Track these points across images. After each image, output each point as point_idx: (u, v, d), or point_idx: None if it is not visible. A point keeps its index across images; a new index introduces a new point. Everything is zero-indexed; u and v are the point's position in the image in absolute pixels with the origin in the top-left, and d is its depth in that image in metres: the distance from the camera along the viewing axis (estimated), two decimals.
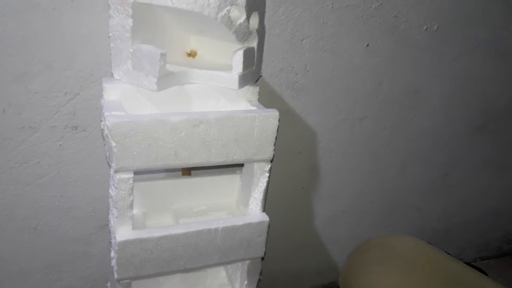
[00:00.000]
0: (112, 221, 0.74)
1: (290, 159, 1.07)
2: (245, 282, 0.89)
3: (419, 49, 1.07)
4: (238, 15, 0.70)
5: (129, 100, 0.72)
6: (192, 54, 0.80)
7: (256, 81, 0.84)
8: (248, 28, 0.73)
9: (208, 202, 0.92)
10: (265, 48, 0.89)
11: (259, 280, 0.92)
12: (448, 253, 0.80)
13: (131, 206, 0.71)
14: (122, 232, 0.72)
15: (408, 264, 0.72)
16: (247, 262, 0.86)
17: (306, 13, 0.91)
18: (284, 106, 0.99)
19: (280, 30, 0.91)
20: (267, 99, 0.96)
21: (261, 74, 0.92)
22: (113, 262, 0.75)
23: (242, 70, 0.73)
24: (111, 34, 0.69)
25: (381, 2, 0.97)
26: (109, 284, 0.91)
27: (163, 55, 0.67)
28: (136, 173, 0.71)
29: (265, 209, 0.84)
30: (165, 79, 0.69)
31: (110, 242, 0.78)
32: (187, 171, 0.92)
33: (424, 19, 1.04)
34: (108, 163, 0.76)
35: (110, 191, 0.72)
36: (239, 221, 0.80)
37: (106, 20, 0.72)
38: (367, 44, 1.00)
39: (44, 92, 0.79)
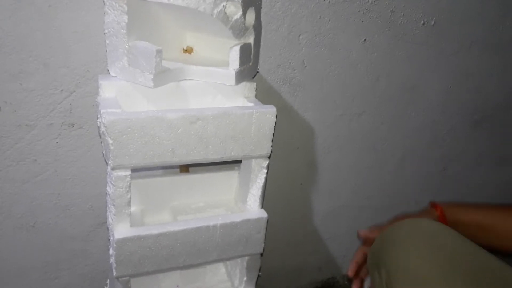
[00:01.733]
0: (110, 219, 0.74)
1: (288, 155, 1.06)
2: (245, 278, 0.89)
3: (416, 44, 1.07)
4: (234, 10, 0.70)
5: (125, 97, 0.72)
6: (188, 51, 0.80)
7: (253, 77, 0.84)
8: (244, 24, 0.72)
9: (206, 199, 0.92)
10: (262, 44, 0.89)
11: (259, 276, 0.92)
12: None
13: (129, 204, 0.71)
14: (120, 230, 0.72)
15: (438, 243, 0.74)
16: (246, 258, 0.86)
17: (303, 8, 0.91)
18: (281, 102, 0.98)
19: (277, 26, 0.90)
20: (264, 95, 0.95)
21: (258, 70, 0.92)
22: (112, 260, 0.75)
23: (238, 66, 0.73)
24: (106, 31, 0.69)
25: None
26: (108, 281, 0.92)
27: (159, 51, 0.66)
28: (134, 170, 0.70)
29: (263, 205, 0.84)
30: (161, 76, 0.69)
31: (109, 239, 0.78)
32: (185, 168, 0.92)
33: (421, 14, 1.03)
34: (105, 161, 0.76)
35: (108, 188, 0.72)
36: (237, 217, 0.80)
37: (101, 17, 0.71)
38: (364, 40, 1.00)
39: (40, 90, 0.79)
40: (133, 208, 0.84)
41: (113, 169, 0.67)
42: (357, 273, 0.84)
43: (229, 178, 0.93)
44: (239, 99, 0.80)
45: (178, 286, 0.91)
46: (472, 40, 1.13)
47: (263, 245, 0.85)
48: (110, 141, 0.65)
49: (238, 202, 0.90)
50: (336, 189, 1.18)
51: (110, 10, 0.67)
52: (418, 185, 1.29)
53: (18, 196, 0.86)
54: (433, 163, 1.28)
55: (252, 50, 0.77)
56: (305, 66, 0.97)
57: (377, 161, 1.19)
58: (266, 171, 0.81)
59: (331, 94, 1.03)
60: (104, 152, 0.73)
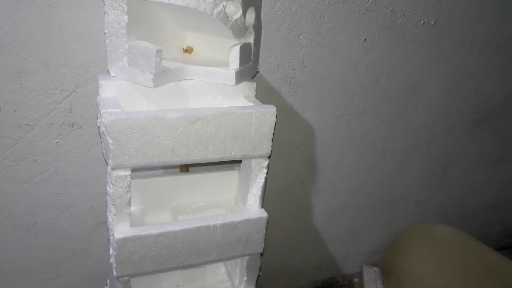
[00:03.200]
0: (110, 219, 0.74)
1: (288, 155, 1.06)
2: (245, 278, 0.89)
3: (416, 44, 1.07)
4: (234, 10, 0.70)
5: (125, 97, 0.72)
6: (188, 50, 0.80)
7: (253, 77, 0.84)
8: (244, 23, 0.72)
9: (206, 198, 0.92)
10: (262, 43, 0.89)
11: (259, 276, 0.92)
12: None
13: (129, 203, 0.71)
14: (120, 230, 0.72)
15: (450, 251, 0.74)
16: (246, 258, 0.86)
17: (303, 8, 0.91)
18: (281, 101, 0.98)
19: (277, 26, 0.90)
20: (265, 95, 0.95)
21: (258, 70, 0.92)
22: (112, 260, 0.75)
23: (238, 66, 0.73)
24: (106, 31, 0.69)
25: None
26: (108, 281, 0.92)
27: (159, 51, 0.66)
28: (134, 170, 0.70)
29: (263, 205, 0.84)
30: (161, 76, 0.69)
31: (109, 239, 0.78)
32: (185, 168, 0.92)
33: (421, 14, 1.03)
34: (105, 161, 0.76)
35: (108, 188, 0.72)
36: (237, 217, 0.80)
37: (102, 16, 0.71)
38: (364, 39, 1.00)
39: (40, 90, 0.79)
40: (133, 208, 0.84)
41: (113, 169, 0.67)
42: None
43: (229, 178, 0.93)
44: (239, 99, 0.80)
45: (178, 286, 0.90)
46: (472, 40, 1.13)
47: (263, 245, 0.85)
48: (110, 141, 0.65)
49: (238, 202, 0.90)
50: (336, 189, 1.18)
51: (110, 10, 0.67)
52: (418, 185, 1.29)
53: (18, 196, 0.86)
54: (433, 162, 1.28)
55: (252, 50, 0.77)
56: (305, 66, 0.97)
57: (377, 161, 1.19)
58: (266, 171, 0.81)
59: (331, 94, 1.03)
60: (104, 152, 0.73)
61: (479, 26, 1.12)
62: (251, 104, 0.78)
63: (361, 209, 1.25)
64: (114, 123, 0.64)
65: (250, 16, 0.74)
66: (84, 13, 0.76)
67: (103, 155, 0.85)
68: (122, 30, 0.67)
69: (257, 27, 0.79)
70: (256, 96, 0.82)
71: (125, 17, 0.66)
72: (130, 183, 0.70)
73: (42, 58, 0.77)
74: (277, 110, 0.75)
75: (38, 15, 0.74)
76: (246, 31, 0.74)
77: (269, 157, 0.80)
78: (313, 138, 1.07)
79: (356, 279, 1.33)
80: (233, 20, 0.70)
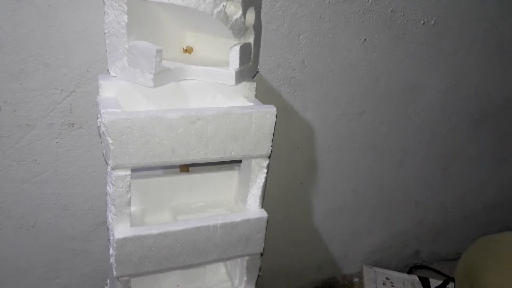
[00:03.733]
0: (110, 219, 0.74)
1: (288, 155, 1.06)
2: (245, 278, 0.89)
3: (417, 44, 1.07)
4: (234, 10, 0.70)
5: (125, 97, 0.72)
6: (188, 50, 0.80)
7: (253, 77, 0.84)
8: (244, 23, 0.72)
9: (206, 198, 0.92)
10: (262, 43, 0.89)
11: (259, 276, 0.92)
12: None
13: (129, 203, 0.71)
14: (120, 230, 0.72)
15: None
16: (246, 258, 0.86)
17: (303, 8, 0.91)
18: (281, 101, 0.98)
19: (277, 26, 0.90)
20: (265, 95, 0.95)
21: (258, 70, 0.92)
22: (112, 260, 0.75)
23: (238, 66, 0.73)
24: (106, 31, 0.69)
25: None
26: (108, 281, 0.92)
27: (159, 51, 0.66)
28: (134, 170, 0.70)
29: (263, 205, 0.84)
30: (161, 76, 0.69)
31: (109, 239, 0.78)
32: (185, 168, 0.92)
33: (422, 14, 1.03)
34: (105, 161, 0.76)
35: (108, 188, 0.72)
36: (237, 217, 0.80)
37: (101, 17, 0.71)
38: (364, 39, 1.00)
39: (40, 90, 0.79)
40: (133, 208, 0.84)
41: (113, 169, 0.67)
42: None
43: (229, 178, 0.93)
44: (239, 99, 0.80)
45: (178, 286, 0.90)
46: (472, 40, 1.13)
47: (263, 245, 0.85)
48: (110, 141, 0.65)
49: (238, 202, 0.90)
50: (337, 189, 1.18)
51: (110, 10, 0.67)
52: (418, 185, 1.29)
53: (18, 196, 0.87)
54: (433, 162, 1.28)
55: (252, 50, 0.77)
56: (305, 66, 0.97)
57: (377, 161, 1.19)
58: (266, 171, 0.81)
59: (331, 94, 1.03)
60: (104, 152, 0.73)
61: (479, 26, 1.12)
62: (251, 104, 0.78)
63: (361, 209, 1.25)
64: (114, 123, 0.64)
65: (250, 16, 0.74)
66: (84, 13, 0.76)
67: (103, 155, 0.85)
68: (122, 30, 0.67)
69: (257, 27, 0.79)
70: (256, 96, 0.82)
71: (125, 17, 0.66)
72: (130, 183, 0.70)
73: (42, 58, 0.77)
74: (277, 110, 0.76)
75: (38, 15, 0.74)
76: (246, 31, 0.74)
77: (269, 157, 0.80)
78: (313, 138, 1.07)
79: (356, 279, 1.34)
80: (233, 20, 0.70)
